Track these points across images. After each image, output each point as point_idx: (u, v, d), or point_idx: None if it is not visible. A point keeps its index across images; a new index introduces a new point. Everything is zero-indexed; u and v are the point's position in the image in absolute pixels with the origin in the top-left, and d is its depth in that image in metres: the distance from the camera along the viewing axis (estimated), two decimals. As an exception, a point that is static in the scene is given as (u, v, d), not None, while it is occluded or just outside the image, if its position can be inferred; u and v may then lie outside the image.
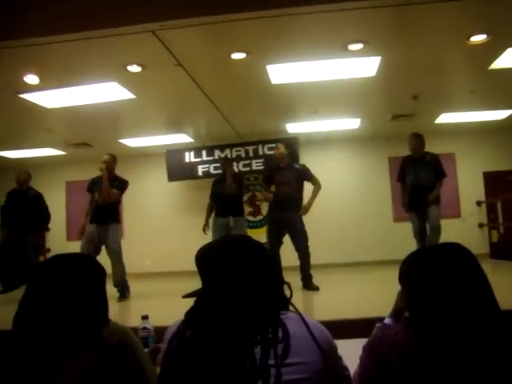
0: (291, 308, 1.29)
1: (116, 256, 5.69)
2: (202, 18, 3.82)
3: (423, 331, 1.22)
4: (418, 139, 5.98)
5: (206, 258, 1.31)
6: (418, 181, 5.83)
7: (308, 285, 5.48)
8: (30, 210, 6.22)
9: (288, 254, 5.59)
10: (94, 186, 5.96)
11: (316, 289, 5.41)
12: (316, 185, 5.82)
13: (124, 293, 5.56)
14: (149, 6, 3.71)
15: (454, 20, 4.21)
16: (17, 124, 6.77)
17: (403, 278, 1.39)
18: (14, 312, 1.39)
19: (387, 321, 1.68)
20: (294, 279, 5.57)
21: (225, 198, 6.32)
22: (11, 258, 6.23)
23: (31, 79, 4.96)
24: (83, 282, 1.39)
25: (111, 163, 5.90)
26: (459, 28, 4.38)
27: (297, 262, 5.59)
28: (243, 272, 1.24)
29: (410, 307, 1.32)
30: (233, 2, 3.68)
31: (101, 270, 1.48)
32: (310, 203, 5.69)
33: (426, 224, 5.83)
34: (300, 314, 1.24)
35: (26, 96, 5.47)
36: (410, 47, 4.76)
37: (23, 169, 6.62)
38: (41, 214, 6.36)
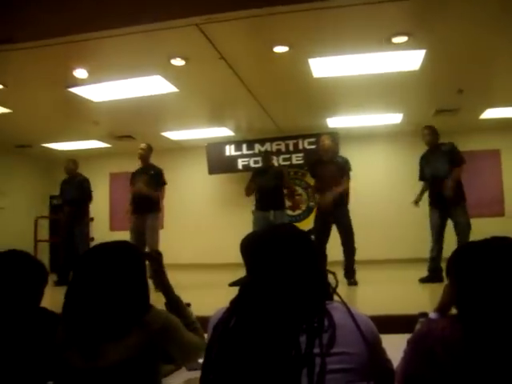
0: (337, 298, 1.29)
1: (151, 244, 5.76)
2: (245, 12, 3.84)
3: (472, 327, 1.20)
4: (432, 132, 5.75)
5: (251, 246, 1.32)
6: (436, 172, 5.58)
7: (349, 278, 5.47)
8: (78, 195, 6.51)
9: (333, 248, 5.54)
10: (133, 177, 6.18)
11: (354, 283, 5.38)
12: (348, 180, 5.77)
13: None
14: None
15: (502, 11, 4.04)
16: (66, 117, 7.02)
17: (451, 272, 1.37)
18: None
19: (432, 315, 1.66)
20: (338, 274, 5.53)
21: (266, 191, 6.27)
22: (64, 249, 6.48)
23: (80, 73, 5.11)
24: (125, 267, 1.48)
25: (147, 151, 6.15)
26: (508, 19, 4.22)
27: (341, 257, 5.56)
28: (288, 260, 1.25)
29: (459, 302, 1.30)
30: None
31: (140, 255, 1.58)
32: (338, 191, 5.62)
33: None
34: (346, 305, 1.24)
35: (74, 90, 5.65)
36: (457, 39, 4.61)
37: (70, 158, 6.89)
38: (84, 197, 6.63)
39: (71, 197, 6.52)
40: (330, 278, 1.32)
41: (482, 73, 5.65)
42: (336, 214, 5.61)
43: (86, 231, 6.58)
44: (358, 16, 4.08)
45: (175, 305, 1.75)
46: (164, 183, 6.11)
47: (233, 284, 1.30)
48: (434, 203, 5.61)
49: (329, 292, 1.29)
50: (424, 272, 5.48)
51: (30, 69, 4.98)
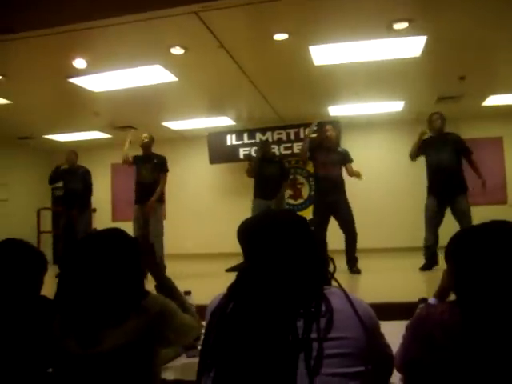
0: (335, 283, 1.29)
1: (156, 235, 5.82)
2: (243, -1, 3.82)
3: (470, 311, 1.20)
4: (442, 117, 5.61)
5: (248, 231, 1.32)
6: (441, 162, 5.41)
7: (352, 266, 5.47)
8: (82, 186, 6.54)
9: (333, 236, 5.56)
10: (137, 162, 6.21)
11: (357, 272, 5.39)
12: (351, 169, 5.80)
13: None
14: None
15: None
16: (66, 108, 7.03)
17: (450, 257, 1.36)
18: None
19: (431, 300, 1.66)
20: (339, 262, 5.53)
21: (271, 181, 6.30)
22: (64, 240, 6.50)
23: (79, 63, 5.09)
24: (118, 253, 1.51)
25: (150, 140, 6.19)
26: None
27: (342, 246, 5.57)
28: (286, 245, 1.25)
29: (457, 287, 1.29)
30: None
31: (133, 242, 1.59)
32: (357, 172, 5.70)
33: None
34: (344, 290, 1.24)
35: (74, 80, 5.64)
36: (458, 25, 4.57)
37: (71, 149, 6.89)
38: (89, 189, 6.67)
39: (74, 187, 6.52)
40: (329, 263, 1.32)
41: (483, 59, 5.60)
42: (337, 202, 5.60)
43: (87, 222, 6.59)
44: (359, 2, 4.05)
45: (167, 290, 1.76)
46: (166, 170, 6.16)
47: (230, 270, 1.30)
48: (435, 192, 5.48)
49: (327, 277, 1.29)
50: (423, 260, 5.48)
51: (30, 59, 4.97)
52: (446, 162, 5.40)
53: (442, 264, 4.69)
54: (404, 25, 4.49)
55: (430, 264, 5.33)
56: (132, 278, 1.50)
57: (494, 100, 7.36)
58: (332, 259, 1.32)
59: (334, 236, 5.54)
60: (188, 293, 2.26)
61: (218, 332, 1.21)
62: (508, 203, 8.31)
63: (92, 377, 1.38)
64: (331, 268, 1.30)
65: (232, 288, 1.27)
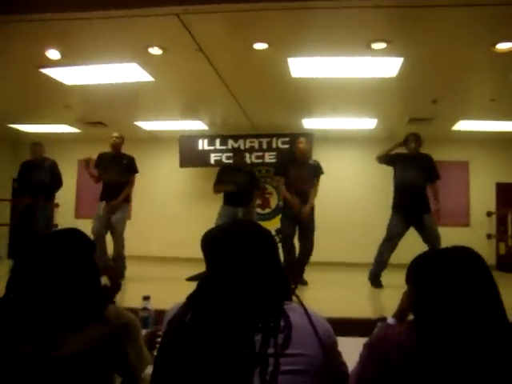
0: (295, 299, 1.28)
1: (119, 235, 5.76)
2: (228, 5, 3.81)
3: (427, 333, 1.21)
4: (419, 142, 5.64)
5: (212, 241, 1.30)
6: (408, 180, 5.44)
7: (300, 277, 5.40)
8: (49, 179, 6.34)
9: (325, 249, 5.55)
10: (102, 161, 6.03)
11: (305, 283, 5.36)
12: (317, 185, 5.80)
13: (122, 272, 5.62)
14: (174, -12, 3.70)
15: (480, 25, 4.14)
16: (35, 98, 6.82)
17: (411, 279, 1.37)
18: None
19: (390, 321, 1.67)
20: (315, 275, 5.53)
21: (239, 189, 6.30)
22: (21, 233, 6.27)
23: (53, 54, 4.95)
24: (71, 254, 1.44)
25: (121, 140, 6.07)
26: (485, 34, 4.32)
27: (318, 258, 5.58)
28: (249, 257, 1.23)
29: (416, 309, 1.31)
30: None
31: (89, 243, 1.53)
32: (312, 204, 5.66)
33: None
34: (303, 306, 1.23)
35: (46, 71, 5.48)
36: (434, 50, 4.70)
37: (37, 140, 6.68)
38: (56, 182, 6.47)
39: (40, 180, 6.28)
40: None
41: (456, 85, 5.77)
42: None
43: (49, 216, 6.40)
44: (339, 19, 4.10)
45: None
46: (136, 171, 6.08)
47: (190, 279, 1.28)
48: (401, 209, 5.50)
49: (287, 292, 1.28)
50: (392, 277, 5.51)
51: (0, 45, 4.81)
52: (413, 180, 5.44)
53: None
54: (382, 45, 4.57)
55: (377, 283, 5.38)
56: (88, 283, 1.45)
57: (463, 125, 7.57)
58: (294, 278, 1.31)
59: (326, 248, 5.53)
60: (147, 298, 2.22)
61: (174, 342, 1.20)
62: (471, 226, 8.53)
63: (47, 381, 1.33)
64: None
65: (191, 298, 1.24)
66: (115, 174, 5.91)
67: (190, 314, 1.21)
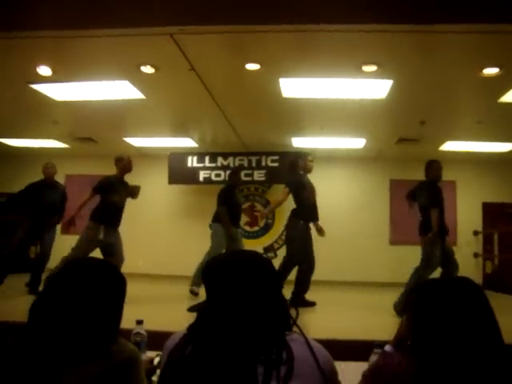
0: (296, 329, 1.27)
1: (120, 261, 5.48)
2: (221, 27, 3.84)
3: (426, 363, 1.21)
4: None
5: (214, 272, 1.28)
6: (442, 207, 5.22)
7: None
8: (61, 202, 6.25)
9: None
10: (111, 186, 5.62)
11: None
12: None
13: None
14: (169, 9, 3.72)
15: (468, 51, 4.26)
16: (24, 113, 6.76)
17: (409, 308, 1.38)
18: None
19: (388, 348, 1.66)
20: (321, 293, 5.49)
21: (239, 208, 6.37)
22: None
23: (44, 71, 4.95)
24: (103, 292, 1.37)
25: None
26: (473, 59, 4.43)
27: (325, 277, 5.58)
28: (250, 289, 1.22)
29: (414, 337, 1.31)
30: (252, 14, 3.69)
31: (123, 282, 1.46)
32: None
33: None
34: (305, 336, 1.22)
35: (36, 87, 5.46)
36: (423, 74, 4.80)
37: (50, 162, 6.49)
38: (64, 206, 6.36)
39: (53, 203, 6.14)
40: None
41: (443, 107, 5.87)
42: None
43: (53, 237, 6.28)
44: (331, 42, 4.16)
45: None
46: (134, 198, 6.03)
47: (191, 309, 1.26)
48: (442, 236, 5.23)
49: (289, 323, 1.27)
50: (372, 296, 5.51)
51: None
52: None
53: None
54: (372, 68, 4.64)
55: None
56: (110, 321, 1.38)
57: (450, 145, 7.67)
58: (296, 307, 1.30)
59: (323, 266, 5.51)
60: (140, 322, 2.18)
61: (175, 373, 1.17)
62: (457, 245, 8.59)
63: None
64: (293, 313, 1.28)
65: (191, 329, 1.23)
66: (121, 199, 5.72)
67: (190, 345, 1.19)
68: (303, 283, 5.47)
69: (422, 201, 5.22)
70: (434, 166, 5.36)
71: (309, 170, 5.84)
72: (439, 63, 4.51)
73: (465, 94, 5.43)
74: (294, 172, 5.84)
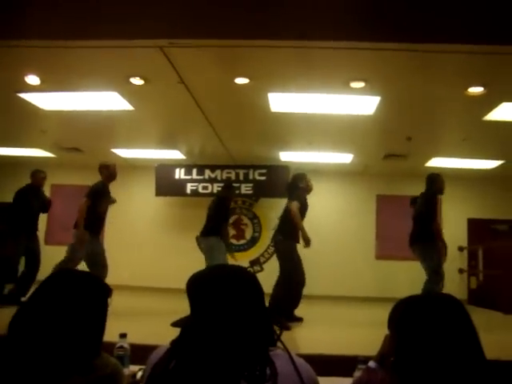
0: (280, 345, 1.27)
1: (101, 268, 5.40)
2: (211, 41, 3.86)
3: (409, 379, 1.21)
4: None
5: (198, 287, 1.27)
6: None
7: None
8: (43, 208, 6.14)
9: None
10: (102, 194, 5.51)
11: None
12: None
13: None
14: (160, 22, 3.73)
15: (454, 70, 4.35)
16: (10, 122, 6.70)
17: (393, 325, 1.38)
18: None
19: (372, 364, 1.66)
20: (307, 308, 5.46)
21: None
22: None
23: (32, 80, 4.93)
24: (86, 304, 1.35)
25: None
26: (459, 78, 4.52)
27: (310, 291, 5.61)
28: (236, 305, 1.21)
29: (397, 354, 1.31)
30: (242, 29, 3.71)
31: (106, 294, 1.44)
32: None
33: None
34: (289, 352, 1.22)
35: (24, 96, 5.44)
36: (409, 91, 4.88)
37: (39, 169, 6.27)
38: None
39: (38, 210, 6.04)
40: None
41: (429, 124, 5.96)
42: None
43: (39, 246, 6.04)
44: (319, 58, 4.21)
45: None
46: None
47: (175, 324, 1.25)
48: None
49: (273, 338, 1.26)
50: (357, 310, 5.51)
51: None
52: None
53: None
54: (360, 84, 4.70)
55: None
56: (93, 335, 1.36)
57: (436, 162, 7.76)
58: (281, 321, 1.30)
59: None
60: (123, 335, 2.16)
61: None
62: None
63: None
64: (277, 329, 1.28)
65: (175, 344, 1.22)
66: (107, 208, 5.61)
67: (174, 360, 1.18)
68: (295, 298, 5.33)
69: (422, 209, 5.58)
70: (438, 180, 5.70)
71: (310, 191, 5.74)
72: (426, 81, 4.59)
73: (450, 111, 5.52)
74: (304, 193, 5.67)
